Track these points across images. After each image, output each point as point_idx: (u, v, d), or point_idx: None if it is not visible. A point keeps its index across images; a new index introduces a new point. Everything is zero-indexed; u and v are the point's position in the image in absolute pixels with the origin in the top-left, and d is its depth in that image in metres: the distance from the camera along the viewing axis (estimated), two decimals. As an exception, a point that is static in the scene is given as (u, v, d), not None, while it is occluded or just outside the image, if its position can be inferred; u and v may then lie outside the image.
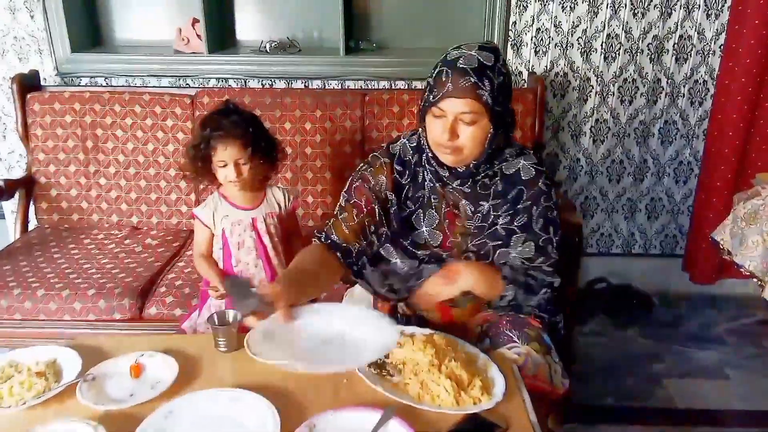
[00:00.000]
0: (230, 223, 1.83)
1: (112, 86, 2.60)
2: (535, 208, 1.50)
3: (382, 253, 1.60)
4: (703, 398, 2.21)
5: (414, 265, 1.58)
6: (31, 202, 2.50)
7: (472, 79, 1.33)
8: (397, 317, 1.64)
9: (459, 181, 1.48)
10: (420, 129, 1.49)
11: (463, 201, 1.51)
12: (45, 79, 2.60)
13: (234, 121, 1.76)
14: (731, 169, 2.58)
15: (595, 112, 2.62)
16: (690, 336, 2.57)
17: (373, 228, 1.54)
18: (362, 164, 1.60)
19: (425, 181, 1.53)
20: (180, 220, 2.50)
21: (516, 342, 1.42)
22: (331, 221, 1.58)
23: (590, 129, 2.64)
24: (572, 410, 2.13)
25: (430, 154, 1.48)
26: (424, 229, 1.54)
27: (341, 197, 1.61)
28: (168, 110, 2.41)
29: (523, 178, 1.49)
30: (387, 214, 1.55)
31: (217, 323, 1.51)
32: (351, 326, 1.38)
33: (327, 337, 1.36)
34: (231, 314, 1.55)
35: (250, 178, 1.79)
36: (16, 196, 2.47)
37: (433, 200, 1.52)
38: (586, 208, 2.78)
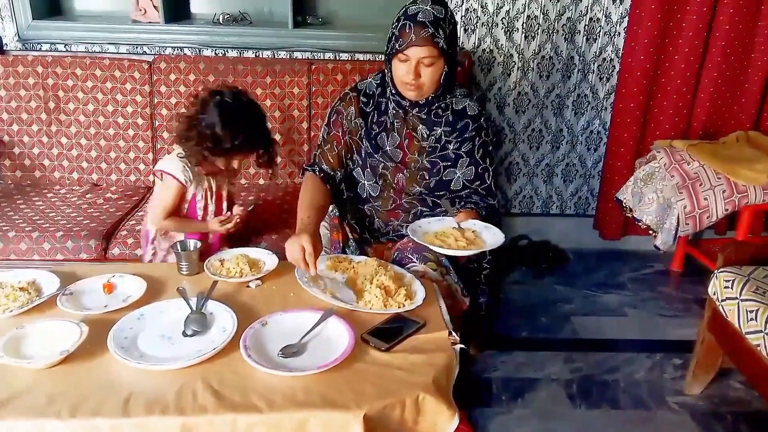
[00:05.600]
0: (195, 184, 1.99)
1: (72, 52, 2.76)
2: (477, 139, 1.86)
3: (354, 175, 1.94)
4: (604, 331, 2.56)
5: (376, 189, 1.91)
6: (-5, 160, 2.65)
7: (431, 30, 1.66)
8: (349, 245, 1.99)
9: (417, 109, 1.82)
10: (385, 70, 1.81)
11: (420, 126, 1.85)
12: (6, 44, 2.73)
13: (249, 138, 1.88)
14: (633, 138, 2.92)
15: (517, 85, 2.92)
16: (597, 284, 2.93)
17: (349, 155, 1.91)
18: (336, 101, 1.95)
19: (388, 109, 1.86)
20: (138, 177, 2.68)
21: (415, 262, 1.73)
22: (318, 152, 1.94)
23: (513, 101, 2.95)
24: (491, 340, 2.45)
25: (393, 91, 1.80)
26: (388, 148, 1.88)
27: (322, 130, 1.96)
28: (127, 74, 2.59)
29: (468, 113, 1.85)
30: (359, 140, 1.88)
31: (180, 250, 1.74)
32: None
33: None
34: (191, 243, 1.78)
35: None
36: (-19, 153, 2.61)
37: (396, 124, 1.86)
38: (510, 172, 3.10)
